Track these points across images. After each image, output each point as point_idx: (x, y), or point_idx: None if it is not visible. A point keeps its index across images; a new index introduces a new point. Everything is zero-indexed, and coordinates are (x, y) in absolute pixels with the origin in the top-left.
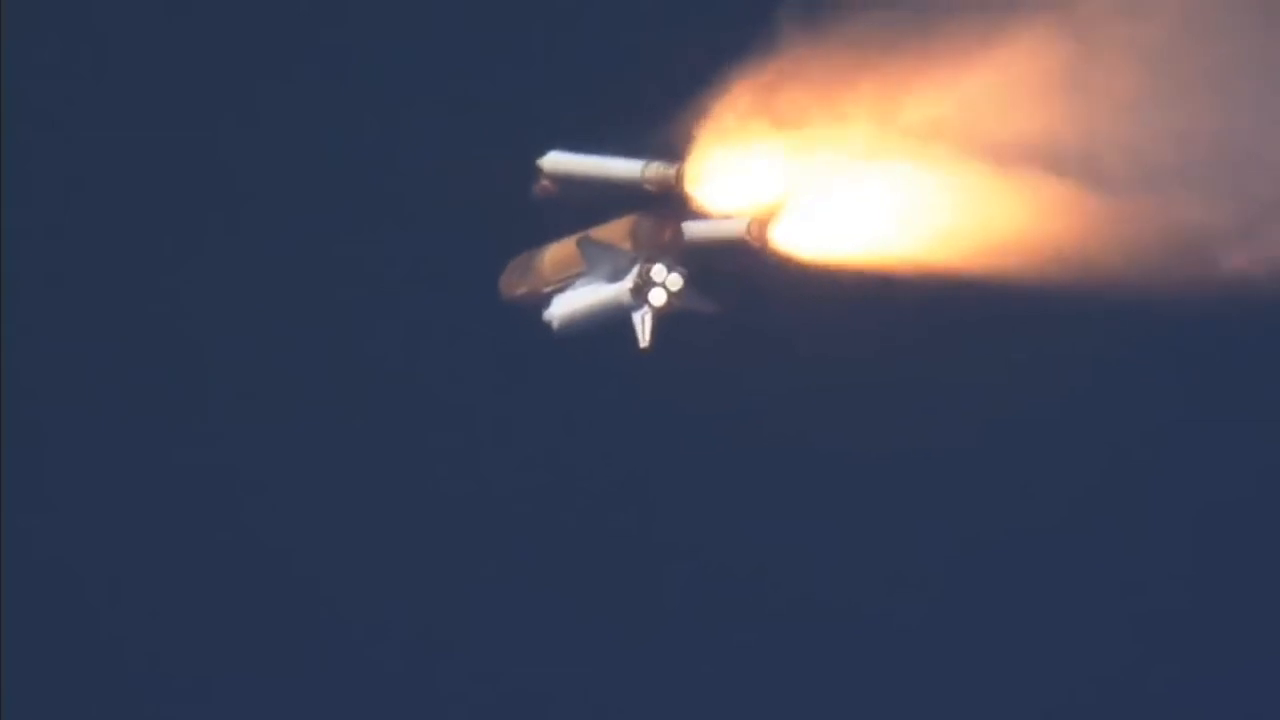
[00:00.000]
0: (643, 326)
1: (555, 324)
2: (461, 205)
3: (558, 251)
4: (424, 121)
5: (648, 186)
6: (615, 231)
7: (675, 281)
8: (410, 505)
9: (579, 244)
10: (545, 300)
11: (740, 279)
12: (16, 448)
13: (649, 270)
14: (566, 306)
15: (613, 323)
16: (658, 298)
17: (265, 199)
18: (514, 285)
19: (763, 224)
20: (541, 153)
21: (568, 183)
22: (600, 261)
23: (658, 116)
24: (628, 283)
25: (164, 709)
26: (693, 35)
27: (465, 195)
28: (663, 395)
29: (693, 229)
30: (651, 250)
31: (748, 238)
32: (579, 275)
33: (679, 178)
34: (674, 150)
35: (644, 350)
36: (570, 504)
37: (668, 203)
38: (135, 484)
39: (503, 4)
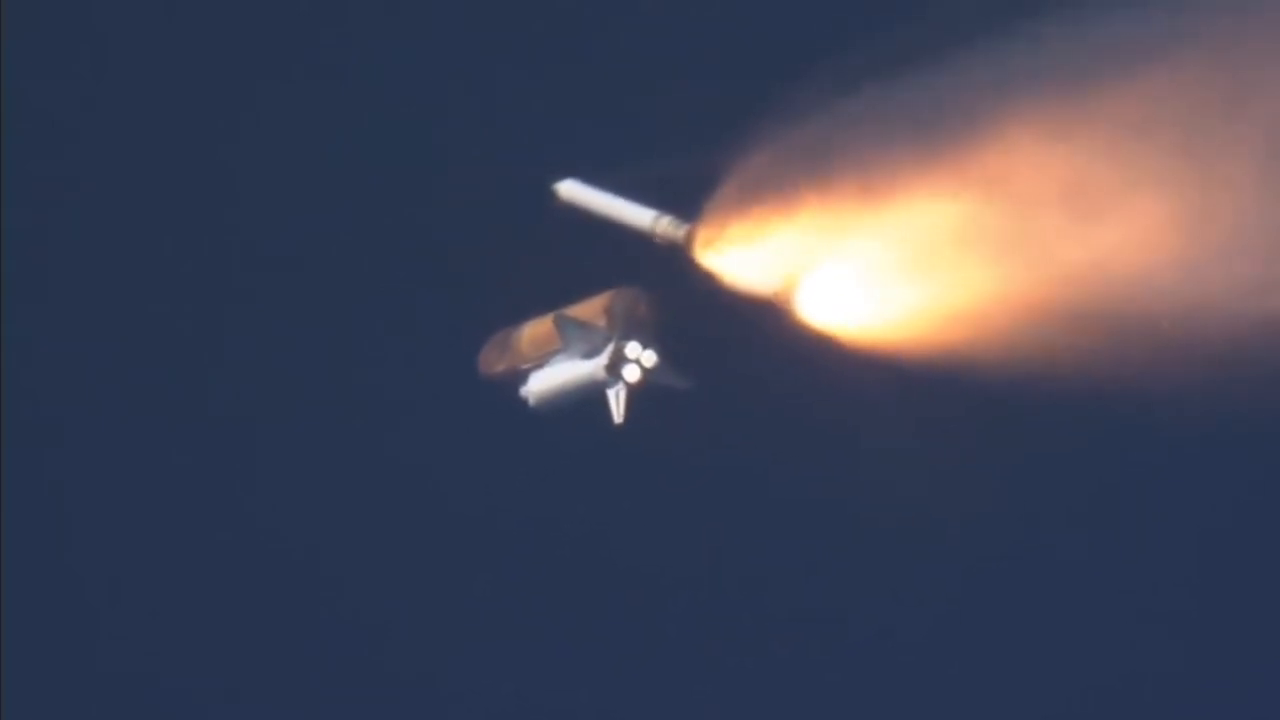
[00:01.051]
0: (617, 402)
1: (532, 400)
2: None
3: (535, 329)
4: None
5: (656, 240)
6: (590, 309)
7: (649, 358)
8: (392, 576)
9: (555, 321)
10: (523, 377)
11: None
12: (16, 448)
13: (623, 347)
14: (543, 383)
15: (588, 399)
16: (632, 374)
17: (267, 202)
18: (493, 362)
19: (790, 289)
20: (559, 177)
21: (579, 213)
22: (575, 339)
23: (677, 171)
24: (603, 359)
25: (164, 709)
26: (724, 93)
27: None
28: (636, 469)
29: (728, 279)
30: (626, 327)
31: (776, 299)
32: (555, 352)
33: (689, 239)
34: (687, 208)
35: (618, 426)
36: (545, 573)
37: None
38: (135, 484)
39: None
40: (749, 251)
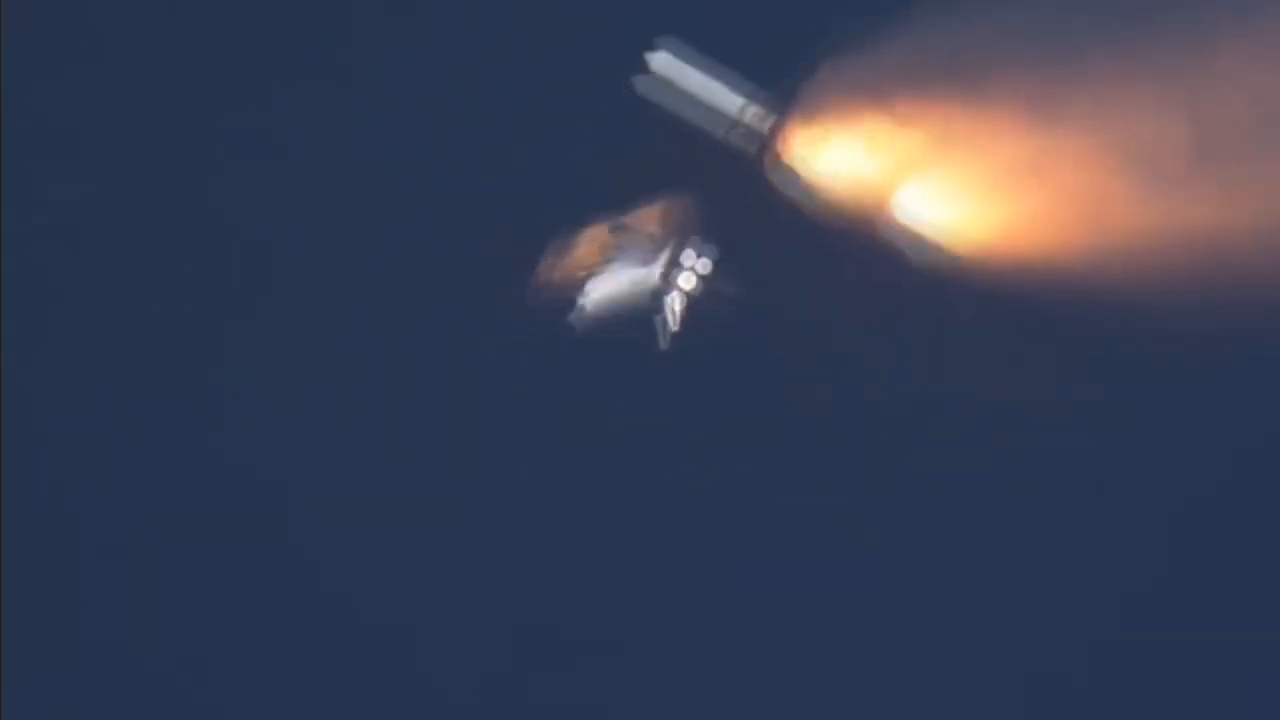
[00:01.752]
0: (673, 310)
1: (588, 308)
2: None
3: (591, 237)
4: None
5: (738, 129)
6: (646, 217)
7: (705, 266)
8: (428, 496)
9: (610, 230)
10: (580, 285)
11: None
12: (16, 447)
13: (679, 255)
14: (599, 291)
15: (644, 306)
16: (687, 282)
17: (279, 190)
18: (549, 271)
19: (883, 197)
20: (652, 48)
21: (666, 89)
22: (631, 247)
23: (770, 67)
24: (658, 267)
25: (164, 709)
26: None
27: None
28: (688, 378)
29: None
30: (681, 235)
31: (860, 209)
32: (611, 260)
33: (774, 132)
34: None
35: (675, 333)
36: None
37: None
38: (136, 484)
39: None
40: (838, 155)
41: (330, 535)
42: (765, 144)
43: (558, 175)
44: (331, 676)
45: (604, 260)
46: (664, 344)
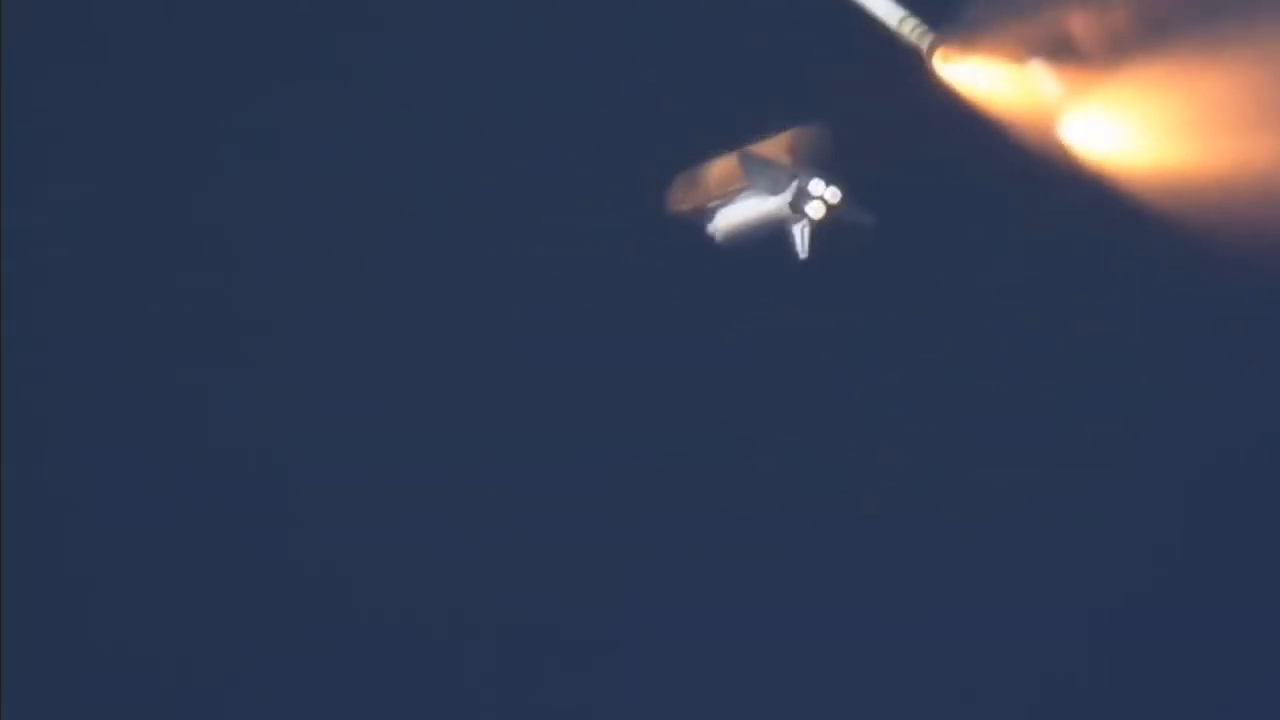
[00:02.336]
0: (802, 238)
1: (719, 236)
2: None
3: (720, 167)
4: None
5: (897, 38)
6: (774, 146)
7: (833, 194)
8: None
9: (739, 159)
10: (710, 214)
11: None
12: (16, 447)
13: (807, 184)
14: (729, 219)
15: (773, 234)
16: (816, 210)
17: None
18: (680, 200)
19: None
20: None
21: None
22: (760, 176)
23: None
24: (786, 196)
25: (164, 709)
26: None
27: None
28: (818, 304)
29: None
30: (810, 164)
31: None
32: (741, 189)
33: (930, 50)
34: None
35: (802, 260)
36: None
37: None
38: (136, 484)
39: None
40: (999, 73)
41: (329, 535)
42: (928, 54)
43: (685, 102)
44: (331, 677)
45: (733, 189)
46: (803, 253)
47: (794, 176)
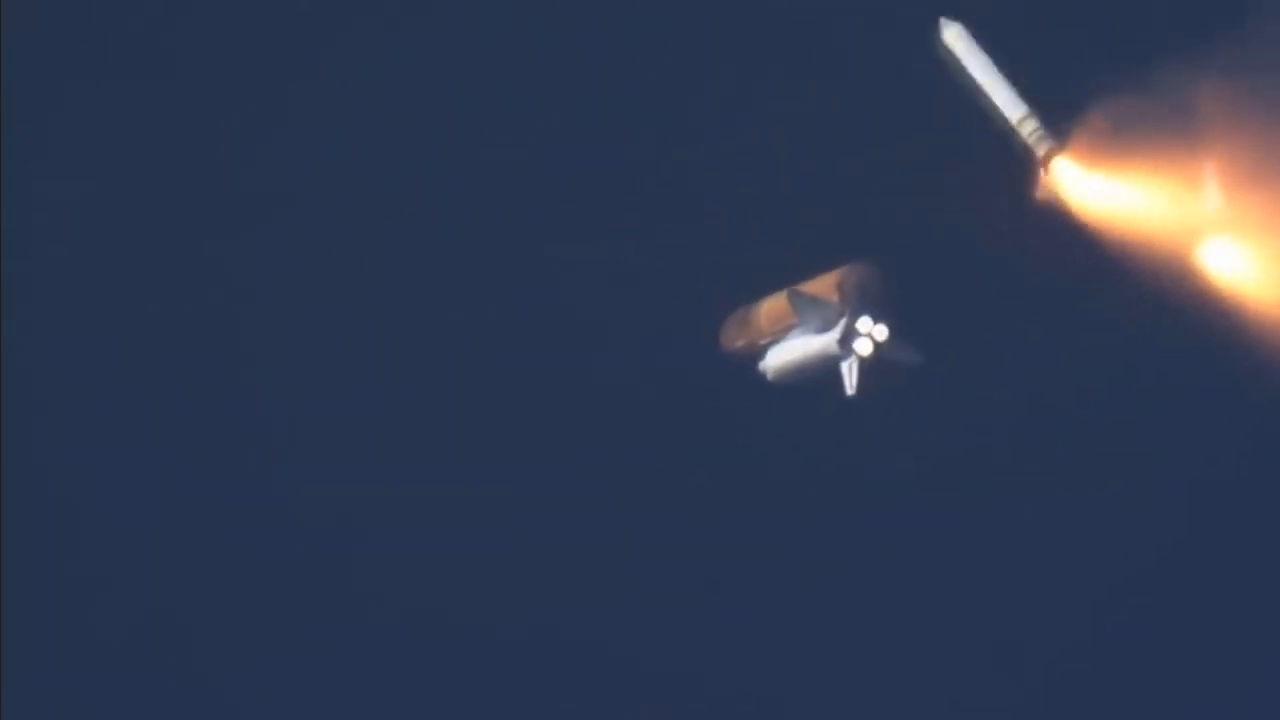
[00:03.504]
0: (850, 375)
1: (770, 374)
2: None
3: (772, 305)
4: None
5: (1016, 137)
6: (824, 285)
7: (881, 332)
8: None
9: (789, 296)
10: (762, 351)
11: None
12: (16, 447)
13: (856, 321)
14: (780, 357)
15: (823, 371)
16: (864, 347)
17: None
18: (734, 338)
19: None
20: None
21: (953, 66)
22: (810, 313)
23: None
24: (835, 333)
25: (164, 710)
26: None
27: None
28: (867, 439)
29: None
30: (858, 302)
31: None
32: (791, 326)
33: (1047, 158)
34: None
35: (851, 397)
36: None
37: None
38: (136, 484)
39: None
40: (1117, 187)
41: (329, 535)
42: (1045, 160)
43: (741, 243)
44: (331, 677)
45: (784, 327)
46: (851, 390)
47: (842, 314)
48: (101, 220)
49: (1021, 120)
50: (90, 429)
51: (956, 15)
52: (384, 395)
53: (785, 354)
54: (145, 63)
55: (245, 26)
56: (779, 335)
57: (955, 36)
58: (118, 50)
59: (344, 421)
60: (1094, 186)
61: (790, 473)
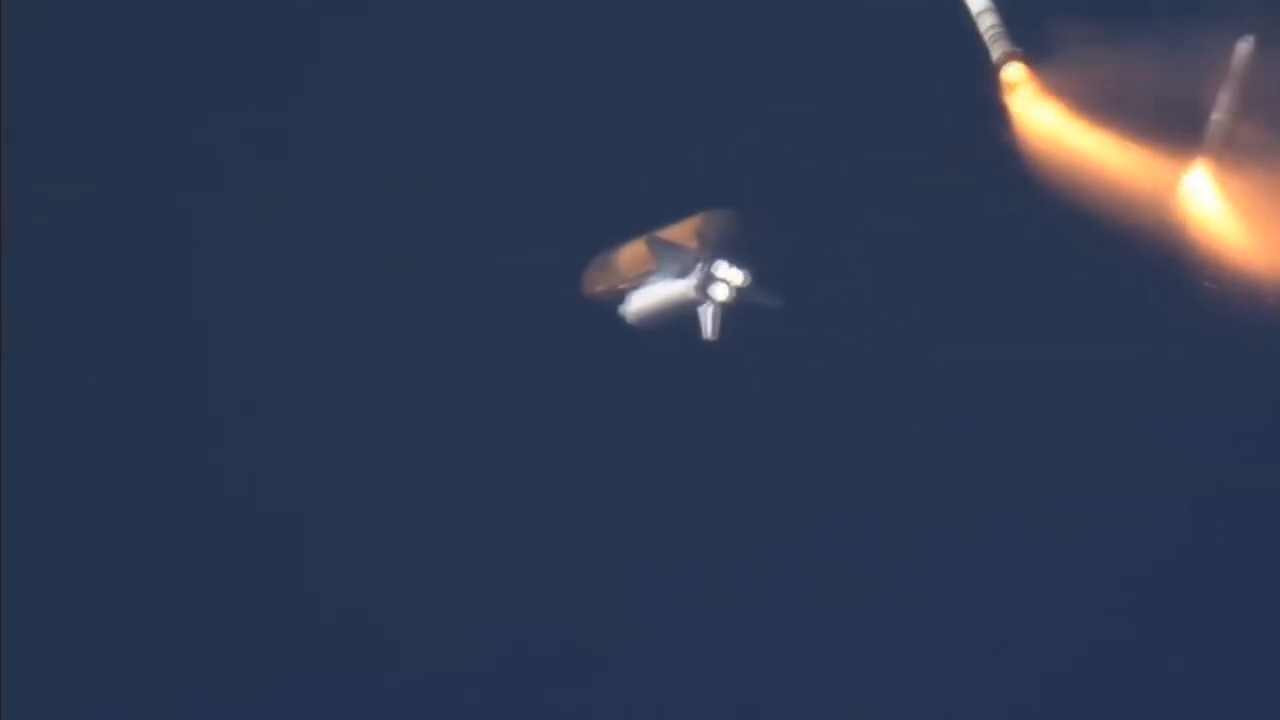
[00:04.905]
0: (708, 319)
1: (630, 318)
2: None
3: (631, 251)
4: None
5: (980, 34)
6: (682, 231)
7: (738, 277)
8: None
9: (648, 244)
10: (622, 296)
11: None
12: (16, 446)
13: (713, 267)
14: (640, 302)
15: (683, 316)
16: (721, 293)
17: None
18: (594, 282)
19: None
20: None
21: None
22: (669, 260)
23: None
24: (693, 279)
25: (164, 710)
26: None
27: None
28: (725, 382)
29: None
30: (715, 248)
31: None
32: (651, 272)
33: (1002, 60)
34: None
35: (710, 341)
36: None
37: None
38: (136, 484)
39: None
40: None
41: (329, 535)
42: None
43: (599, 187)
44: (330, 676)
45: (644, 273)
46: (709, 334)
47: (700, 260)
48: (102, 220)
49: (981, 12)
50: (90, 429)
51: None
52: (384, 394)
53: (645, 299)
54: (145, 63)
55: (245, 26)
56: (639, 281)
57: None
58: (118, 50)
59: (344, 421)
60: (1055, 120)
61: (649, 413)
